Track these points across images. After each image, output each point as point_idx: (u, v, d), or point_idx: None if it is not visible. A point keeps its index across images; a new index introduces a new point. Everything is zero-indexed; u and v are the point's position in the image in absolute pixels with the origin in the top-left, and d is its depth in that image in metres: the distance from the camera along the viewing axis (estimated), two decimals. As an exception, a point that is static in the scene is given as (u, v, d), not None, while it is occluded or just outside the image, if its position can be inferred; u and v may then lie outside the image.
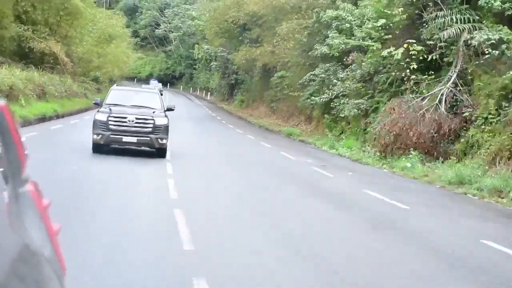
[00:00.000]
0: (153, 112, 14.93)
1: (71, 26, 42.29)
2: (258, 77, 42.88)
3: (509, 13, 15.48)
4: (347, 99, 23.09)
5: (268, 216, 8.74)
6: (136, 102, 15.47)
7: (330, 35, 24.91)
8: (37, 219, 1.20)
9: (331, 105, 24.87)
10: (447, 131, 16.41)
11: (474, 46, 16.48)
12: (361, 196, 11.54)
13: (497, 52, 15.19)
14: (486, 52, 15.51)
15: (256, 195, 10.81)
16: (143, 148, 14.83)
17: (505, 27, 15.49)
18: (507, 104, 14.84)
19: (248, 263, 6.04)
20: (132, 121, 14.47)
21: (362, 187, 12.59)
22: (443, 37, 17.81)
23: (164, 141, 14.77)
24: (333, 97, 24.48)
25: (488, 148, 14.83)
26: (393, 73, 19.99)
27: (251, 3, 33.58)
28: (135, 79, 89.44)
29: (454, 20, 17.94)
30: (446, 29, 17.86)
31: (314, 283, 5.53)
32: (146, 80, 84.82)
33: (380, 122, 18.13)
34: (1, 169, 0.92)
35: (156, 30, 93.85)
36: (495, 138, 14.83)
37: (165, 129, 14.78)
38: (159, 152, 14.87)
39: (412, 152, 16.12)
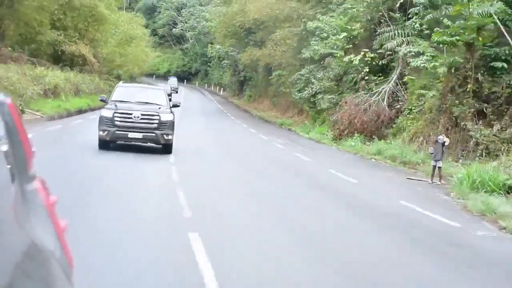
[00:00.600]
0: (159, 108, 15.06)
1: (97, 30, 48.32)
2: (262, 75, 48.60)
3: (427, 32, 21.02)
4: (323, 95, 28.76)
5: (239, 175, 14.40)
6: (142, 98, 15.54)
7: (312, 42, 30.59)
8: (44, 215, 1.19)
9: (313, 100, 30.56)
10: (385, 119, 22.06)
11: (406, 55, 22.11)
12: (294, 158, 17.39)
13: (418, 60, 20.78)
14: (408, 61, 21.10)
15: (231, 158, 16.60)
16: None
17: (425, 41, 21.04)
18: (423, 99, 20.46)
19: (235, 214, 8.59)
20: (138, 117, 14.60)
21: (297, 153, 18.49)
22: (387, 48, 23.43)
23: (170, 137, 14.89)
24: (313, 93, 30.15)
25: (409, 131, 20.47)
26: (354, 75, 25.66)
27: (252, 12, 39.31)
28: (154, 75, 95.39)
29: (397, 34, 23.52)
30: (390, 41, 23.47)
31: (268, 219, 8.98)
32: (164, 77, 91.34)
33: (336, 113, 23.85)
34: (8, 166, 0.96)
35: (174, 29, 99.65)
36: (414, 124, 20.46)
37: (171, 125, 14.92)
38: (165, 148, 15.08)
39: (356, 134, 21.82)
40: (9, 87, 22.10)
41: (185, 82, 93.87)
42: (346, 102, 23.26)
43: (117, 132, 14.48)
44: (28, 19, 37.62)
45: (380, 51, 24.24)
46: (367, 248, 7.18)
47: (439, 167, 14.16)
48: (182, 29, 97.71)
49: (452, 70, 17.39)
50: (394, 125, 21.84)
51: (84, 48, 44.85)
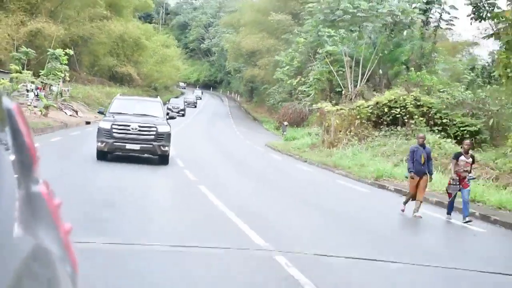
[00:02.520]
0: (156, 120, 15.59)
1: (139, 55, 67.21)
2: (260, 87, 66.85)
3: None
4: (281, 102, 46.78)
5: (216, 143, 32.14)
6: (139, 110, 16.00)
7: (277, 69, 48.68)
8: (48, 218, 1.22)
9: (276, 105, 48.60)
10: (304, 116, 39.93)
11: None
12: (235, 137, 35.23)
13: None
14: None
15: (206, 140, 34.53)
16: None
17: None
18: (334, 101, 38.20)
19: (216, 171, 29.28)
20: (135, 129, 15.02)
21: (241, 135, 36.33)
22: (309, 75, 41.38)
23: (166, 148, 15.44)
24: (277, 102, 48.23)
25: (313, 123, 38.26)
26: (293, 91, 43.76)
27: (246, 45, 57.60)
28: (186, 83, 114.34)
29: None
30: (311, 71, 41.34)
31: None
32: (194, 85, 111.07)
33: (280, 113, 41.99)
34: (16, 176, 0.97)
35: (202, 44, 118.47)
36: (315, 119, 38.28)
37: (167, 136, 15.44)
38: (161, 159, 15.66)
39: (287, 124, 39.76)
40: (96, 101, 40.50)
41: (211, 90, 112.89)
42: (283, 107, 41.26)
43: (115, 143, 14.94)
44: (94, 51, 56.61)
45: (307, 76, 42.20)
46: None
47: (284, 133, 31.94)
48: (208, 45, 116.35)
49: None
50: (307, 119, 39.70)
51: (130, 69, 63.93)
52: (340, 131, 22.31)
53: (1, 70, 33.23)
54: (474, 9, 18.34)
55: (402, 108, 21.96)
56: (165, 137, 15.36)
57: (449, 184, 11.24)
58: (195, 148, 22.99)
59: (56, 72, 32.56)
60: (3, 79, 26.40)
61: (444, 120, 20.99)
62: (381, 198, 14.43)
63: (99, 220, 7.47)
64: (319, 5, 33.95)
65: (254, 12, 59.45)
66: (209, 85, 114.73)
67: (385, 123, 22.45)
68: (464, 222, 10.95)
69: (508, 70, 14.82)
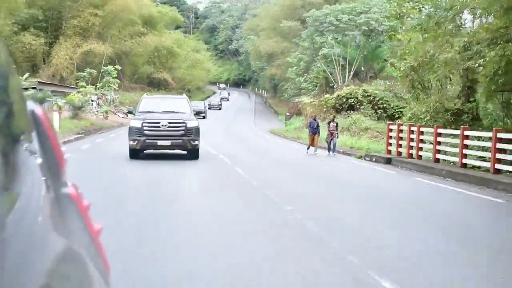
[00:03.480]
0: (184, 116, 16.38)
1: (173, 62, 77.37)
2: (279, 83, 76.22)
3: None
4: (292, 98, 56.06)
5: (226, 139, 41.71)
6: (167, 108, 16.87)
7: (289, 69, 57.91)
8: (78, 220, 1.26)
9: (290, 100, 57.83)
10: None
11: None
12: (248, 127, 44.75)
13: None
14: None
15: (224, 130, 44.12)
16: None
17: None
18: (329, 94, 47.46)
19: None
20: (165, 125, 15.85)
21: (254, 125, 45.83)
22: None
23: (196, 142, 16.22)
24: (289, 97, 57.42)
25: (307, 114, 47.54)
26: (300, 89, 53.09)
27: (263, 49, 67.03)
28: (217, 83, 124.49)
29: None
30: (313, 70, 50.56)
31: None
32: (224, 83, 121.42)
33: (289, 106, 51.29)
34: (44, 178, 1.00)
35: (230, 45, 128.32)
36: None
37: (196, 131, 16.24)
38: (192, 153, 16.53)
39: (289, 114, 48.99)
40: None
41: (240, 87, 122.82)
42: (292, 101, 50.56)
43: (146, 141, 15.71)
44: (134, 62, 67.00)
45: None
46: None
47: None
48: (236, 46, 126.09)
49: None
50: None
51: (165, 74, 74.23)
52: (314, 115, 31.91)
53: (69, 86, 43.62)
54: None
55: (354, 98, 31.13)
56: (194, 131, 16.12)
57: (327, 136, 21.05)
58: (212, 136, 32.42)
59: (109, 84, 42.76)
60: (74, 93, 36.58)
61: (385, 105, 29.98)
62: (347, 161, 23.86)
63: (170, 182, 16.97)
64: (311, 19, 43.31)
65: (269, 19, 68.87)
66: (239, 83, 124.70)
67: (344, 109, 31.62)
68: (332, 154, 21.13)
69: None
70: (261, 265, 5.51)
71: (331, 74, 44.40)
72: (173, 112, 16.48)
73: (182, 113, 16.52)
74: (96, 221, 1.36)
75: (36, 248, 0.86)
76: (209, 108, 67.06)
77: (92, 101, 38.08)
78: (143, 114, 16.36)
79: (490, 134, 14.77)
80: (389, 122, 23.48)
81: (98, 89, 41.36)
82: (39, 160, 1.00)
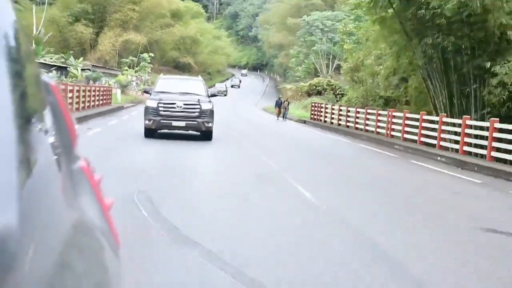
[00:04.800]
0: (199, 98, 16.59)
1: (196, 48, 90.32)
2: (287, 70, 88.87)
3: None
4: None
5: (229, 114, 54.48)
6: (182, 89, 17.08)
7: (292, 59, 70.50)
8: (90, 194, 1.29)
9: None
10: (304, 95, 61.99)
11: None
12: (250, 107, 57.72)
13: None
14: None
15: (230, 108, 57.03)
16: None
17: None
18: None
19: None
20: (180, 106, 16.20)
21: (254, 106, 58.84)
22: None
23: (210, 124, 16.52)
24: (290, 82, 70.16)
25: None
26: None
27: (274, 40, 79.66)
28: (236, 66, 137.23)
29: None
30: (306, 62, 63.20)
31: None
32: (244, 67, 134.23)
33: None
34: (55, 157, 1.02)
35: (250, 32, 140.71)
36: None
37: (211, 113, 16.58)
38: (205, 135, 16.79)
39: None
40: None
41: (258, 71, 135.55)
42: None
43: (162, 121, 16.09)
44: (162, 48, 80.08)
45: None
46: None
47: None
48: (255, 32, 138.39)
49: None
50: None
51: (189, 59, 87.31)
52: (293, 98, 44.29)
53: (114, 68, 56.90)
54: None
55: (321, 86, 43.61)
56: (209, 113, 16.40)
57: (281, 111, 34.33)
58: (219, 108, 45.19)
59: (144, 68, 55.90)
60: (119, 75, 49.76)
61: (342, 92, 42.30)
62: (289, 123, 36.55)
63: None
64: (303, 22, 56.03)
65: (279, 15, 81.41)
66: (256, 68, 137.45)
67: (313, 94, 44.02)
68: (284, 120, 34.24)
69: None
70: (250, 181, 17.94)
71: (319, 66, 57.05)
72: (189, 93, 16.79)
73: (197, 95, 16.81)
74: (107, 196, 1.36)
75: (49, 222, 0.89)
76: (231, 87, 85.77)
77: (132, 81, 51.22)
78: (159, 94, 16.70)
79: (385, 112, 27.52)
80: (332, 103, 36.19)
81: (136, 71, 54.45)
82: (51, 139, 1.03)
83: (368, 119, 26.44)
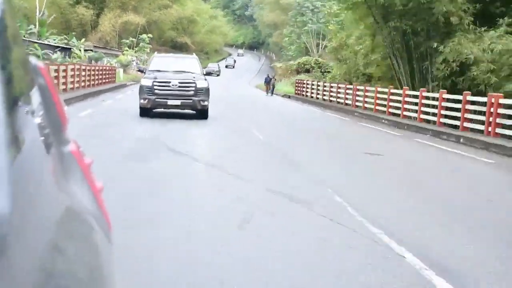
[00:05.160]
0: (194, 76, 16.57)
1: (193, 28, 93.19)
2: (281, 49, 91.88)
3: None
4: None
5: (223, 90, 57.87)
6: (177, 67, 16.99)
7: (285, 39, 73.60)
8: (80, 177, 1.28)
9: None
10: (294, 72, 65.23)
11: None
12: (246, 85, 61.03)
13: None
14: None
15: (223, 84, 60.38)
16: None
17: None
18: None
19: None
20: (175, 85, 16.12)
21: (250, 84, 62.34)
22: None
23: (206, 103, 16.50)
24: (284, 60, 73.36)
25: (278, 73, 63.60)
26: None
27: (268, 19, 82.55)
28: (234, 45, 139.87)
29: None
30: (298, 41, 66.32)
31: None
32: (240, 47, 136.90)
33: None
34: (42, 138, 1.00)
35: (246, 11, 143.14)
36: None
37: (206, 91, 16.49)
38: (201, 113, 16.83)
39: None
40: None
41: (254, 50, 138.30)
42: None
43: (157, 99, 16.02)
44: (160, 28, 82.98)
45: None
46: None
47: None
48: (251, 12, 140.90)
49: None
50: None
51: (187, 39, 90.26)
52: (283, 76, 47.65)
53: (115, 49, 60.02)
54: None
55: (309, 65, 46.85)
56: (204, 91, 16.32)
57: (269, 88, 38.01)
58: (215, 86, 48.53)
59: (144, 49, 59.02)
60: (120, 55, 52.91)
61: (328, 70, 45.55)
62: (276, 98, 39.91)
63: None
64: (294, 3, 59.10)
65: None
66: (253, 47, 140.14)
67: (302, 72, 47.28)
68: (271, 95, 38.20)
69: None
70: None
71: (310, 45, 60.21)
72: (184, 72, 16.77)
73: (192, 73, 16.81)
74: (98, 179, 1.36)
75: (40, 204, 0.88)
76: (226, 67, 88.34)
77: (132, 61, 54.43)
78: (153, 73, 16.63)
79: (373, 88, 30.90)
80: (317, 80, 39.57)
81: (136, 52, 57.60)
82: (38, 120, 1.01)
83: (339, 92, 30.17)
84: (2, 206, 0.71)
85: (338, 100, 30.15)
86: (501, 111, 15.87)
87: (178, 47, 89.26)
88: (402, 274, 4.40)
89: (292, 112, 25.89)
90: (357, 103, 27.60)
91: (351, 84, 31.84)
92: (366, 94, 27.00)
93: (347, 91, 29.25)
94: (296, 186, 7.63)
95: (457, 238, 5.64)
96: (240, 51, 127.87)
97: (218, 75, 66.71)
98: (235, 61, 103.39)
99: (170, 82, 16.25)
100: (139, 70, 19.90)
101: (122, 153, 9.64)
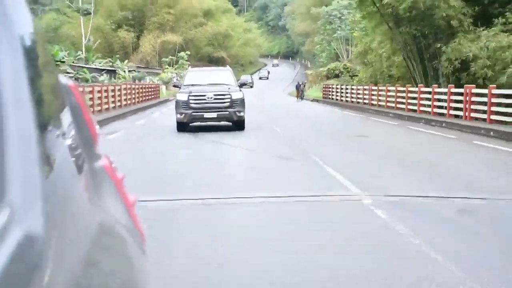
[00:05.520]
0: (228, 88, 16.81)
1: (228, 42, 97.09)
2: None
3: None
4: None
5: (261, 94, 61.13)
6: (211, 80, 17.20)
7: (317, 46, 76.66)
8: (113, 192, 1.30)
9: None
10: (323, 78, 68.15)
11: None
12: (280, 93, 64.21)
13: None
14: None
15: (261, 91, 63.64)
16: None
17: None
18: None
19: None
20: (211, 98, 16.32)
21: (284, 92, 65.53)
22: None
23: (242, 113, 16.70)
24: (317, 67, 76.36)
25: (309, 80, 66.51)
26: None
27: (299, 29, 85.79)
28: (269, 56, 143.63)
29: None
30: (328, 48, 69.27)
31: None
32: (275, 56, 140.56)
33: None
34: (73, 159, 1.02)
35: (279, 22, 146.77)
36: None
37: (241, 102, 16.73)
38: (237, 125, 16.95)
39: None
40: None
41: (290, 59, 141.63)
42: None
43: (193, 113, 16.30)
44: (197, 45, 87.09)
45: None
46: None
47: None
48: (284, 22, 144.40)
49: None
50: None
51: (222, 53, 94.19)
52: (314, 82, 50.78)
53: (155, 68, 64.22)
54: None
55: (338, 70, 49.76)
56: (239, 103, 16.60)
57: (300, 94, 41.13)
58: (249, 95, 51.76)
59: (183, 65, 62.95)
60: (161, 73, 56.92)
61: (356, 74, 48.29)
62: (306, 102, 42.86)
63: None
64: (323, 12, 62.17)
65: (303, 5, 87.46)
66: (288, 56, 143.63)
67: (331, 77, 50.19)
68: (301, 100, 41.48)
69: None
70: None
71: (340, 51, 63.08)
72: (218, 84, 16.95)
73: (226, 85, 17.00)
74: (131, 193, 1.40)
75: (74, 220, 0.90)
76: (259, 79, 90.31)
77: (173, 78, 58.35)
78: (188, 87, 16.82)
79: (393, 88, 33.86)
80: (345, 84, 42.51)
81: (176, 69, 61.56)
82: (68, 141, 1.03)
83: (358, 93, 33.36)
84: (37, 224, 0.72)
85: (358, 100, 33.24)
86: (495, 100, 18.59)
87: (214, 61, 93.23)
88: (329, 182, 8.31)
89: (315, 113, 29.38)
90: (373, 101, 30.71)
91: (376, 85, 34.61)
92: (388, 93, 29.81)
93: (372, 92, 32.13)
94: (291, 154, 11.61)
95: (391, 173, 9.03)
96: (275, 61, 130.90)
97: (251, 86, 69.97)
98: (268, 72, 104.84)
99: (205, 95, 16.38)
100: (174, 85, 20.37)
101: (175, 143, 13.87)
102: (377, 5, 27.06)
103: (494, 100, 18.62)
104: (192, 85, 16.94)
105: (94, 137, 1.34)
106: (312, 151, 11.84)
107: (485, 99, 19.15)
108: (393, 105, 27.53)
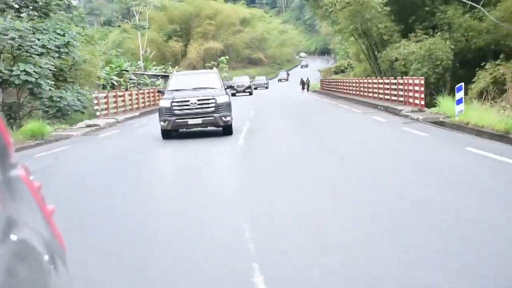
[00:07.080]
0: (214, 91, 16.14)
1: (265, 44, 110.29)
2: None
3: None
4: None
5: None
6: (196, 84, 16.60)
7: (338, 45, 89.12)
8: (30, 200, 1.29)
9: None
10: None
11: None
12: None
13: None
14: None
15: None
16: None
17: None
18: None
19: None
20: (195, 103, 15.70)
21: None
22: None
23: (228, 118, 16.05)
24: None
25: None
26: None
27: (326, 28, 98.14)
28: (306, 53, 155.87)
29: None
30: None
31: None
32: (313, 53, 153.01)
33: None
34: None
35: (314, 22, 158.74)
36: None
37: (227, 106, 16.05)
38: (225, 130, 16.37)
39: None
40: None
41: (325, 55, 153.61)
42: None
43: (177, 120, 15.73)
44: (236, 49, 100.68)
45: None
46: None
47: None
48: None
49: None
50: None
51: (260, 54, 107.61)
52: (324, 77, 63.87)
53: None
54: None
55: (344, 67, 62.28)
56: (225, 107, 15.94)
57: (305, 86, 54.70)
58: (272, 89, 64.70)
59: (222, 68, 76.66)
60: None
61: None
62: (307, 93, 55.70)
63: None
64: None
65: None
66: (324, 52, 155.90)
67: (339, 72, 62.61)
68: (306, 92, 55.98)
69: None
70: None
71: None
72: (203, 88, 16.36)
73: (212, 88, 16.40)
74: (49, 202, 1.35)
75: None
76: (278, 81, 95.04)
77: (215, 79, 72.08)
78: (172, 93, 16.30)
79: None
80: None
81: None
82: None
83: (338, 85, 46.23)
84: None
85: (340, 90, 46.19)
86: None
87: (253, 62, 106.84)
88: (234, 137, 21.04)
89: (299, 99, 42.48)
90: (344, 91, 43.62)
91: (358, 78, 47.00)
92: (354, 84, 42.51)
93: (343, 83, 45.03)
94: (282, 125, 24.25)
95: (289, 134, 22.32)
96: (304, 62, 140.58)
97: (266, 87, 79.25)
98: (288, 74, 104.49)
99: (188, 100, 15.84)
100: (158, 91, 18.64)
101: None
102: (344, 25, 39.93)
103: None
104: (176, 90, 16.51)
105: (7, 146, 1.34)
106: (260, 116, 24.64)
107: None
108: (358, 93, 40.37)
